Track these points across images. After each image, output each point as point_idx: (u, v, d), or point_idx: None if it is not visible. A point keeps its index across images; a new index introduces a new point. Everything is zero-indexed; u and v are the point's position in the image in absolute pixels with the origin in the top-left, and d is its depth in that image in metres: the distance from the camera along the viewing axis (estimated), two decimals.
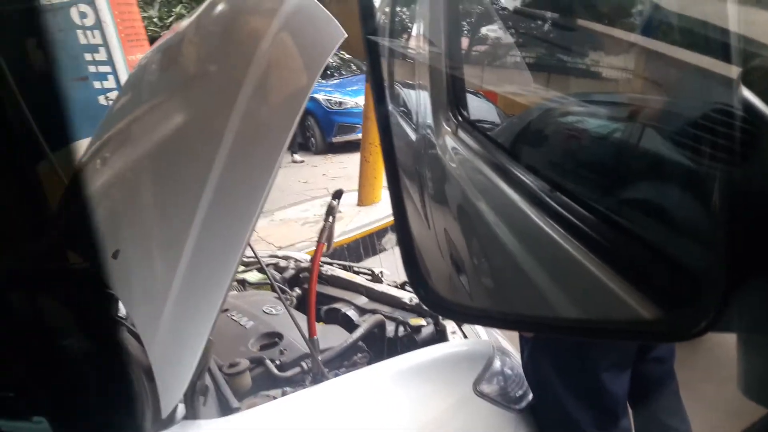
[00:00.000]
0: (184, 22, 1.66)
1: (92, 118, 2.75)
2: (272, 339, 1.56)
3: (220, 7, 1.54)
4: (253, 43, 1.25)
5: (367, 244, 3.26)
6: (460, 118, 0.68)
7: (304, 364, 1.39)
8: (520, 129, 0.61)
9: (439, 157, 0.69)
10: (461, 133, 0.68)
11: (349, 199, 3.83)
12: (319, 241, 1.40)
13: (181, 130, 1.39)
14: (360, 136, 4.16)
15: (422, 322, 1.65)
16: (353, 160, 5.24)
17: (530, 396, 1.36)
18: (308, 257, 2.19)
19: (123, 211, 1.47)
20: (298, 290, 1.93)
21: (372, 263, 2.62)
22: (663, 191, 0.44)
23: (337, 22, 1.19)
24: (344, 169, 5.94)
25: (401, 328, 1.64)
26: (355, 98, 7.05)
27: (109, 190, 1.57)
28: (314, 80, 1.15)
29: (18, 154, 2.62)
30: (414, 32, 0.87)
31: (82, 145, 2.73)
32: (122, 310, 1.48)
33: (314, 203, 4.61)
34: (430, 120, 0.72)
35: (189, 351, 1.06)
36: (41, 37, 2.61)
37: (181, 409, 1.11)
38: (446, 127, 0.68)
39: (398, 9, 0.88)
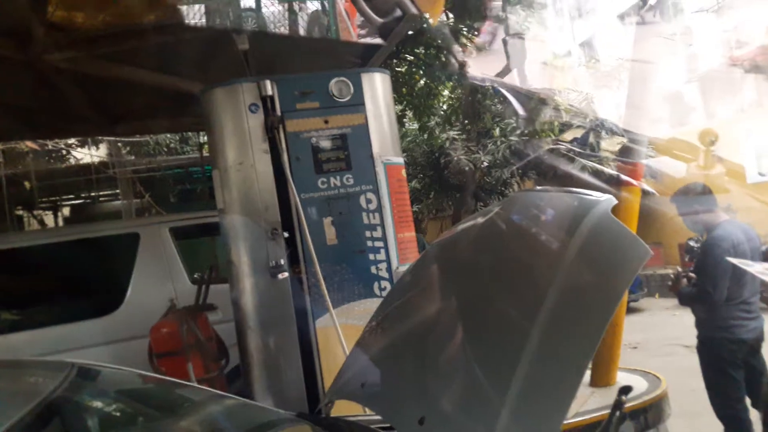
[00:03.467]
0: (481, 218, 1.97)
1: (363, 284, 3.25)
2: None
3: (515, 215, 1.83)
4: (553, 258, 1.47)
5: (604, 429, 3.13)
6: None
7: None
8: None
9: None
10: None
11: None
12: None
13: (493, 310, 1.61)
14: None
15: None
16: None
17: None
18: None
19: (426, 380, 1.70)
20: None
21: None
22: None
23: (641, 240, 1.36)
24: None
25: None
26: None
27: (408, 360, 1.85)
28: (618, 301, 1.31)
29: (305, 308, 3.17)
30: None
31: (353, 306, 3.22)
32: None
33: None
34: None
35: None
36: (335, 216, 3.24)
37: None
38: None
39: None
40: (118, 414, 1.92)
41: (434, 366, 1.72)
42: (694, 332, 3.55)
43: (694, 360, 3.72)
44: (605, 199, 1.53)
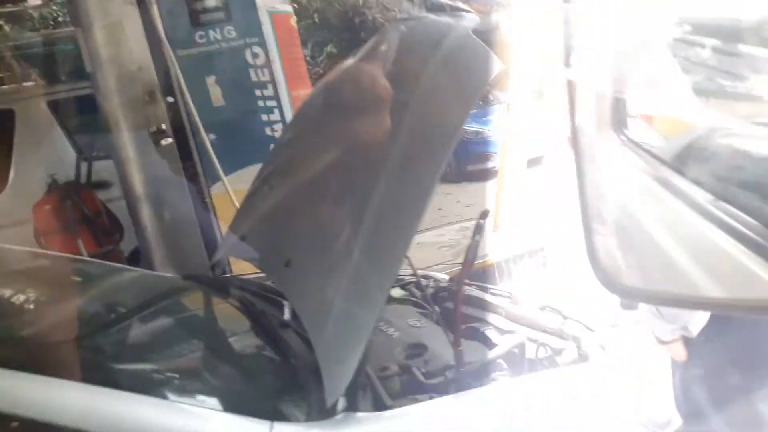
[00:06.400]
0: (347, 61, 1.85)
1: (258, 146, 3.09)
2: (417, 350, 1.66)
3: (382, 46, 1.71)
4: (414, 75, 1.40)
5: (503, 269, 3.34)
6: (624, 138, 0.74)
7: (448, 374, 1.47)
8: (686, 148, 0.67)
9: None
10: (624, 151, 0.75)
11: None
12: (466, 259, 1.49)
13: (345, 153, 1.57)
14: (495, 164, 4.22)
15: (564, 345, 1.66)
16: (486, 187, 5.39)
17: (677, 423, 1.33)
18: (446, 277, 2.29)
19: (294, 226, 1.67)
20: (437, 307, 2.02)
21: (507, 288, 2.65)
22: None
23: (495, 55, 1.29)
24: (478, 196, 6.05)
25: (542, 350, 1.66)
26: (489, 127, 7.20)
27: (280, 209, 1.80)
28: (471, 108, 1.27)
29: (198, 176, 3.03)
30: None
31: (251, 171, 3.09)
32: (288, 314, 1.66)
33: (449, 228, 4.81)
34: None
35: (352, 349, 1.19)
36: (218, 75, 2.99)
37: (343, 402, 1.24)
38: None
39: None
40: None
41: (299, 214, 1.69)
42: None
43: None
44: (467, 18, 1.44)
